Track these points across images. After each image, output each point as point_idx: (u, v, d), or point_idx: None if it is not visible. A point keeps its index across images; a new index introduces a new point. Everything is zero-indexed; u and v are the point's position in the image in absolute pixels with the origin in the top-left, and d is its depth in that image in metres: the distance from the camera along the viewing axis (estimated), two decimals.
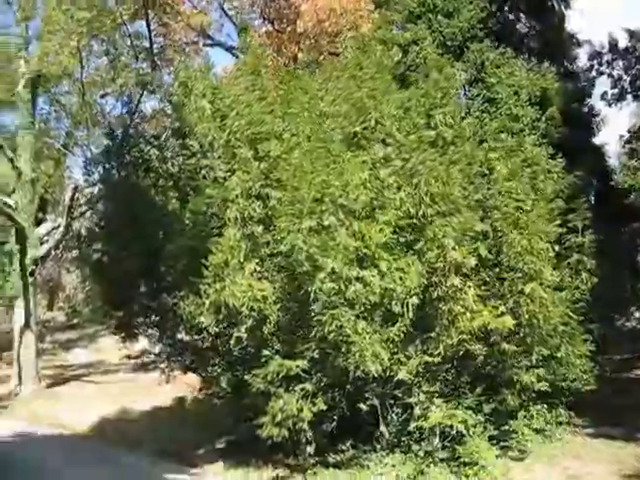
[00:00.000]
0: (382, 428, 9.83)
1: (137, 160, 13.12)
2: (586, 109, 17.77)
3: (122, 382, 19.91)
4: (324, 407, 9.04)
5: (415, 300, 8.83)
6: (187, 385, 14.86)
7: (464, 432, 9.11)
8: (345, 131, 10.02)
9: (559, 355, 10.12)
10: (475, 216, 9.41)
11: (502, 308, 8.99)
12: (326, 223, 8.50)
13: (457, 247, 8.80)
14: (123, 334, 13.55)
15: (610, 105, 25.93)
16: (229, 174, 10.42)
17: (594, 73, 25.46)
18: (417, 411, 9.28)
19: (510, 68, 13.95)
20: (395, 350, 9.03)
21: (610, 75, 26.21)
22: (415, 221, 9.27)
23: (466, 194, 9.51)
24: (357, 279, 8.45)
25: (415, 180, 9.30)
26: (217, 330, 10.10)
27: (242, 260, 9.38)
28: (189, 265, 10.36)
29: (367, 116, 10.01)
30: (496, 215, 9.67)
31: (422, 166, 9.27)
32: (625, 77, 26.05)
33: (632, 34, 25.80)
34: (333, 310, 8.22)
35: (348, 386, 9.71)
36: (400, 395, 9.73)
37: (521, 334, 9.35)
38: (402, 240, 9.33)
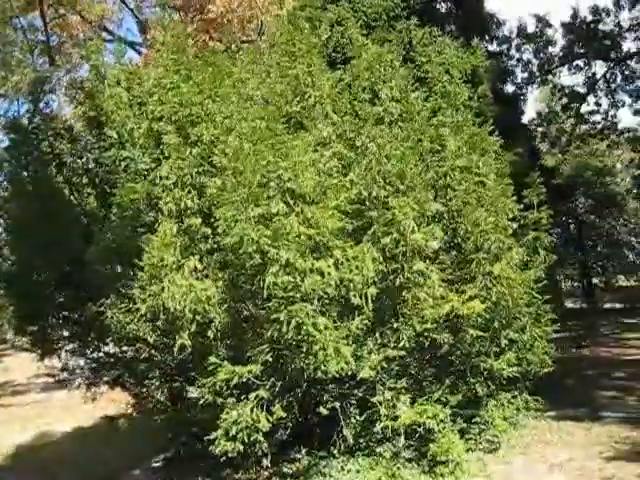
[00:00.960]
0: (345, 432, 9.01)
1: (47, 155, 11.82)
2: (512, 89, 17.74)
3: (35, 403, 18.56)
4: (283, 414, 8.12)
5: (374, 290, 8.05)
6: (114, 402, 13.67)
7: (434, 428, 8.42)
8: (282, 111, 9.25)
9: (525, 338, 9.68)
10: (430, 196, 8.81)
11: (470, 292, 8.36)
12: (274, 210, 7.61)
13: (417, 229, 8.11)
14: (40, 350, 12.23)
15: (520, 88, 26.32)
16: (154, 164, 9.44)
17: (504, 58, 25.81)
18: (383, 410, 8.49)
19: (439, 47, 13.44)
20: (356, 346, 8.25)
21: (519, 59, 26.63)
22: (368, 204, 8.56)
23: (418, 172, 8.85)
24: (312, 270, 7.60)
25: (365, 160, 8.61)
26: (154, 338, 9.02)
27: (180, 258, 8.37)
28: (116, 268, 9.28)
29: (305, 95, 9.37)
30: (453, 193, 9.04)
31: (372, 144, 8.58)
32: (534, 61, 26.52)
33: (540, 19, 26.29)
34: (291, 306, 7.32)
35: (302, 389, 8.87)
36: (362, 394, 8.96)
37: (487, 317, 8.72)
38: (354, 226, 8.56)
